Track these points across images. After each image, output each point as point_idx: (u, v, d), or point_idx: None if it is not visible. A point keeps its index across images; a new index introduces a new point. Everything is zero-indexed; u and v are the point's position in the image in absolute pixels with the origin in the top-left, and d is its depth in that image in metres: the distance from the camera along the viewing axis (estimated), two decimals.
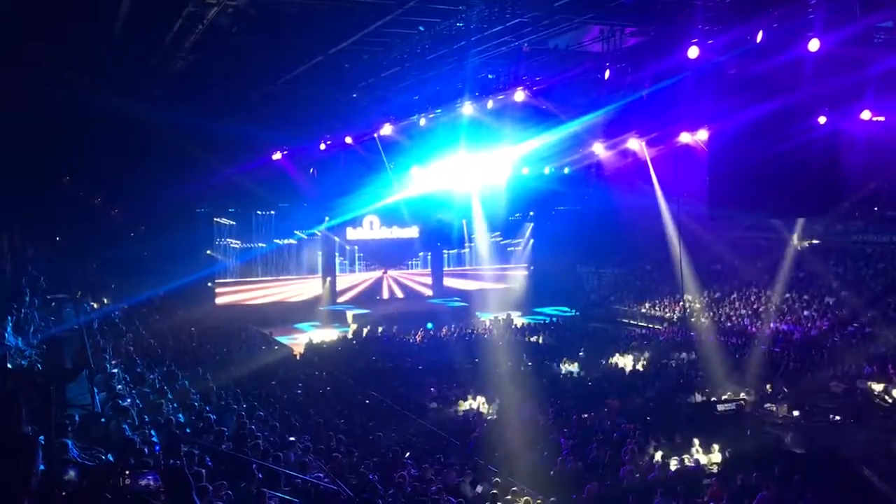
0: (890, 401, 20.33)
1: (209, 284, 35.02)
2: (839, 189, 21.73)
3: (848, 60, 17.70)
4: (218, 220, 35.58)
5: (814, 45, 15.21)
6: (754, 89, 18.99)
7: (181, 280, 29.75)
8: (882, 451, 16.25)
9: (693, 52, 15.40)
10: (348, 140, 25.27)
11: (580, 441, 16.61)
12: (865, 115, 21.28)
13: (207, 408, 14.74)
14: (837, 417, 19.07)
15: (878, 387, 20.97)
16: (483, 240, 39.82)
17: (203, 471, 8.94)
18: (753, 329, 29.31)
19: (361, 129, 24.58)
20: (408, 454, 14.88)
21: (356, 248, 39.01)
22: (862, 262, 32.01)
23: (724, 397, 20.35)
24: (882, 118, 23.07)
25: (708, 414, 19.11)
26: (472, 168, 27.31)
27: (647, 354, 25.88)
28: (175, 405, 14.00)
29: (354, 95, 23.01)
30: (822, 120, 20.08)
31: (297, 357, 26.37)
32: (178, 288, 29.81)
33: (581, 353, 26.25)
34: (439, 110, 21.30)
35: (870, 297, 28.65)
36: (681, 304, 33.30)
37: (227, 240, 35.94)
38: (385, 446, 15.26)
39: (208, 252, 35.21)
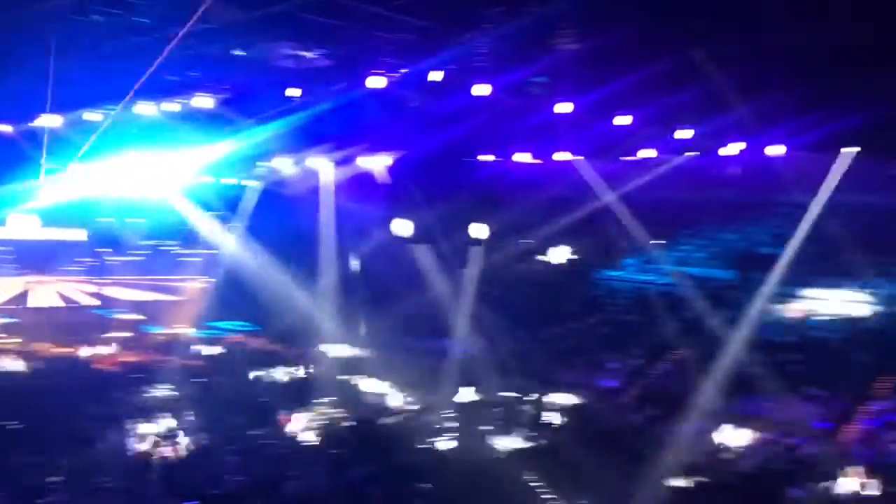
0: None
1: None
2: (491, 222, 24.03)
3: (512, 107, 19.71)
4: None
5: (482, 90, 16.78)
6: (432, 124, 20.35)
7: None
8: None
9: (376, 81, 16.10)
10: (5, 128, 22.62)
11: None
12: (524, 157, 23.84)
13: None
14: None
15: None
16: (158, 248, 37.68)
17: None
18: None
19: (19, 119, 22.14)
20: None
21: (9, 248, 34.69)
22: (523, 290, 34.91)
23: None
24: (540, 161, 26.05)
25: None
26: (150, 172, 25.77)
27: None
28: None
29: (16, 79, 20.61)
30: (486, 158, 22.13)
31: None
32: None
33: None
34: (116, 107, 19.84)
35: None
36: None
37: None
38: None
39: None
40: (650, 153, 25.71)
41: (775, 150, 23.23)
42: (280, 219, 35.06)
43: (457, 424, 20.06)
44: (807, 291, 26.42)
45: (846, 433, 19.63)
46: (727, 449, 19.36)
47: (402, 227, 27.11)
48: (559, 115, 20.69)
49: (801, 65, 16.83)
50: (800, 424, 20.15)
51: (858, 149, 24.05)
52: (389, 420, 20.79)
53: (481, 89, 17.87)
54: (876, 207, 24.66)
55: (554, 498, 15.33)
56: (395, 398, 22.93)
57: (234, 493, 14.47)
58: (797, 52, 16.05)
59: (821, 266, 26.08)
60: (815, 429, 20.03)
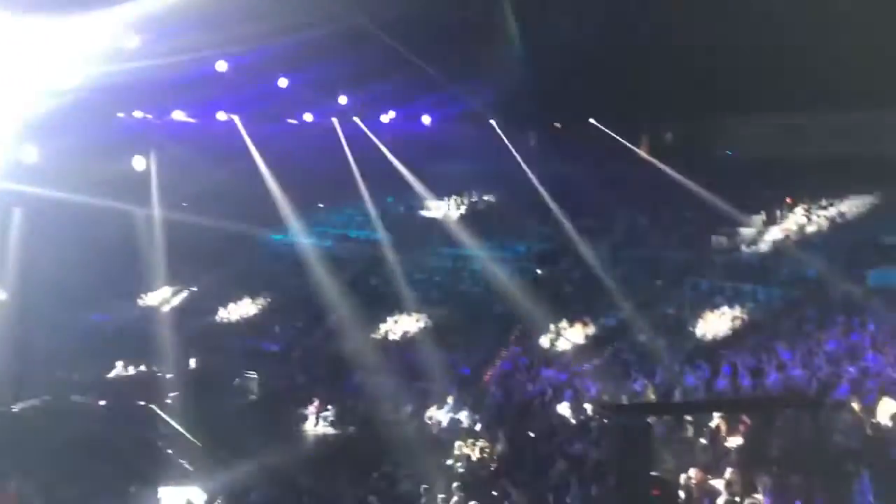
0: None
1: None
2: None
3: (168, 62, 18.77)
4: None
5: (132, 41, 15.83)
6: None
7: None
8: None
9: None
10: None
11: None
12: (178, 115, 23.00)
13: None
14: None
15: None
16: None
17: None
18: None
19: None
20: None
21: None
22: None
23: None
24: (195, 120, 25.28)
25: None
26: None
27: None
28: None
29: None
30: (140, 114, 20.98)
31: None
32: None
33: None
34: None
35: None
36: None
37: None
38: None
39: None
40: (310, 117, 26.19)
41: (425, 120, 25.07)
42: None
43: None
44: (454, 251, 28.65)
45: (485, 376, 21.84)
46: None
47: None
48: (219, 73, 20.15)
49: (445, 40, 18.26)
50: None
51: (494, 121, 26.91)
52: None
53: (132, 41, 16.87)
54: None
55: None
56: None
57: None
58: (443, 26, 17.38)
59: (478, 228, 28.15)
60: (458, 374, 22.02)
